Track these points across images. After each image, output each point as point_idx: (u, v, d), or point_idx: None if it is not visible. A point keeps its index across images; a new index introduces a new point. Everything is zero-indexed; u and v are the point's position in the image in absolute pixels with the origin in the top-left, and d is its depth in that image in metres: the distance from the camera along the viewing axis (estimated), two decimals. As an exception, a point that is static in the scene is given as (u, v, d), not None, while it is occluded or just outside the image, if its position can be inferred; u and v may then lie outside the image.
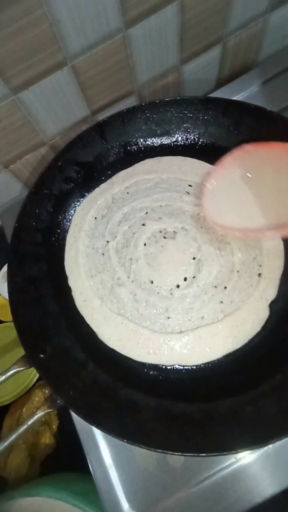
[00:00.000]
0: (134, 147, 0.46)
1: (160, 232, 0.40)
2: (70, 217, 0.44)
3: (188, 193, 0.42)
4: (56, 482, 0.45)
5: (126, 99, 0.48)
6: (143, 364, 0.36)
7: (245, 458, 0.36)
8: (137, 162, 0.45)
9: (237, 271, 0.37)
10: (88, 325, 0.38)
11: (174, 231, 0.40)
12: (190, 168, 0.44)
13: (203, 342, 0.35)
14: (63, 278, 0.41)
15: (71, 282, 0.41)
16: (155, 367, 0.36)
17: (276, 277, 0.37)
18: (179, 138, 0.46)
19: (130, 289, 0.38)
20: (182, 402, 0.32)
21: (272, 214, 0.35)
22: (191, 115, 0.44)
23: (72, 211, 0.45)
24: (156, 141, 0.46)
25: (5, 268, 0.55)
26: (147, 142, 0.46)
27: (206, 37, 0.45)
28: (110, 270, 0.39)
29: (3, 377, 0.34)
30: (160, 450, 0.28)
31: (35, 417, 0.34)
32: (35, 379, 0.57)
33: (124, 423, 0.31)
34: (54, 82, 0.40)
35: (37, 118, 0.43)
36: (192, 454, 0.28)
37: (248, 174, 0.37)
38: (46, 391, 0.55)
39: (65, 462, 0.52)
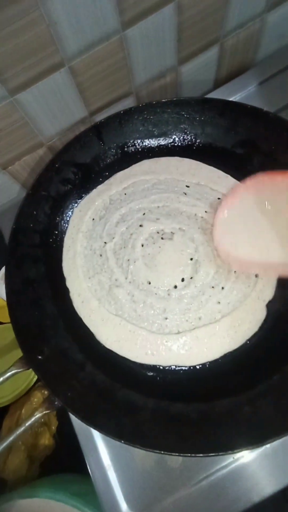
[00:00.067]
0: (131, 148, 0.46)
1: (158, 233, 0.40)
2: (68, 219, 0.44)
3: (185, 194, 0.42)
4: (55, 483, 0.45)
5: (124, 100, 0.48)
6: (141, 365, 0.36)
7: (243, 457, 0.36)
8: (135, 163, 0.45)
9: (234, 271, 0.37)
10: (86, 326, 0.38)
11: (171, 232, 0.40)
12: (187, 168, 0.44)
13: (200, 343, 0.35)
14: (61, 279, 0.41)
15: (69, 284, 0.40)
16: (153, 368, 0.36)
17: (273, 278, 0.37)
18: (176, 139, 0.46)
19: (128, 290, 0.38)
20: (179, 402, 0.32)
21: None
22: (188, 116, 0.44)
23: (70, 213, 0.45)
24: (153, 142, 0.46)
25: (3, 269, 0.55)
26: (144, 143, 0.46)
27: (203, 37, 0.45)
28: (108, 271, 0.39)
29: (1, 379, 0.35)
30: (158, 451, 0.28)
31: (34, 418, 0.34)
32: (34, 380, 0.57)
33: (122, 424, 0.31)
34: (52, 84, 0.40)
35: (35, 120, 0.43)
36: (190, 455, 0.28)
37: (266, 204, 0.35)
38: (45, 392, 0.55)
39: (64, 463, 0.52)
